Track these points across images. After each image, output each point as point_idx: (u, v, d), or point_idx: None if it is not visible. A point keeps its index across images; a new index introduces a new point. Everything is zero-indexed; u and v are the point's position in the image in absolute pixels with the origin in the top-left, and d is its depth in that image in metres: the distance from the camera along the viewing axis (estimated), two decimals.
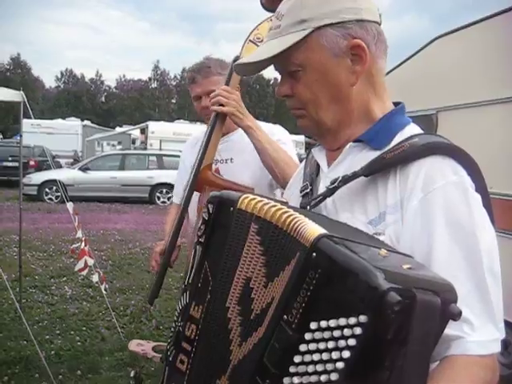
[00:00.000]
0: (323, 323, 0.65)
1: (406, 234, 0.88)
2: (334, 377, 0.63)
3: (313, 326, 0.66)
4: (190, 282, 0.91)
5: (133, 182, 15.57)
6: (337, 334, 0.64)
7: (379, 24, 1.03)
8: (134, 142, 30.55)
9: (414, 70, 5.75)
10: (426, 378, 0.68)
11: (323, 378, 0.64)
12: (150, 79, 77.09)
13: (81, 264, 4.67)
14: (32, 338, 4.49)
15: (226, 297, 0.82)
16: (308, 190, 1.10)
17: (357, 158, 1.02)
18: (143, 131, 24.87)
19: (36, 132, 25.00)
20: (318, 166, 1.13)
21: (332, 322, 0.64)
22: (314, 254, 0.68)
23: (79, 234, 4.83)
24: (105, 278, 5.13)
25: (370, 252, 0.69)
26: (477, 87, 4.58)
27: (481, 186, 0.93)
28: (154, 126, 23.50)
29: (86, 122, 30.82)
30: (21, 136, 5.75)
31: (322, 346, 0.65)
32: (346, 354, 0.63)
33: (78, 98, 68.48)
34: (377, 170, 0.95)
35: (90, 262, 4.69)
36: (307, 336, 0.66)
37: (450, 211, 0.86)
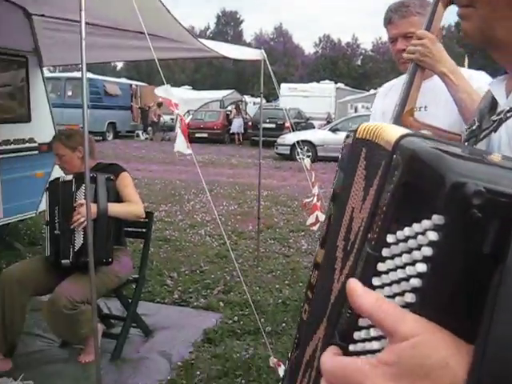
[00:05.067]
0: (399, 234, 0.49)
1: None
2: (409, 298, 0.47)
3: (390, 239, 0.50)
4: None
5: None
6: (412, 244, 0.47)
7: None
8: None
9: None
10: None
11: (398, 300, 0.48)
12: None
13: (312, 219, 4.76)
14: (264, 286, 4.80)
15: (338, 234, 0.69)
16: (475, 126, 0.88)
17: None
18: None
19: (293, 95, 26.46)
20: (494, 100, 0.88)
21: (407, 231, 0.48)
22: (395, 156, 0.52)
23: (315, 190, 4.90)
24: None
25: (471, 154, 0.49)
26: None
27: None
28: None
29: (340, 85, 31.33)
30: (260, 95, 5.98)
31: (397, 261, 0.49)
32: (422, 267, 0.46)
33: (334, 63, 69.95)
34: None
35: (322, 217, 4.74)
36: (384, 252, 0.51)
37: None
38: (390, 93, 2.18)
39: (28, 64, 5.60)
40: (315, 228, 4.79)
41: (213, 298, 4.53)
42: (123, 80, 27.54)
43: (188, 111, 24.56)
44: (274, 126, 20.69)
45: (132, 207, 3.33)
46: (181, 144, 2.55)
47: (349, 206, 0.67)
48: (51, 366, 3.36)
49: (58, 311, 3.01)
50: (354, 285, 0.50)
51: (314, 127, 21.15)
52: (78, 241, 3.12)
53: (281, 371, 2.43)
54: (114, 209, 3.19)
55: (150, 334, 3.82)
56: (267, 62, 4.96)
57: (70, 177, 3.25)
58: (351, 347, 0.54)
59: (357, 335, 0.54)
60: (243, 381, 3.18)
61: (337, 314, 0.62)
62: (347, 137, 0.75)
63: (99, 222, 3.09)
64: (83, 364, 3.39)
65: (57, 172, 5.89)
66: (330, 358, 0.51)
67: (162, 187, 10.42)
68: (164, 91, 2.49)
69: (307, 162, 5.25)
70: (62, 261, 3.18)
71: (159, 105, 24.89)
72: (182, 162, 15.21)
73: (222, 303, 4.39)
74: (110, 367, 3.31)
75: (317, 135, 16.52)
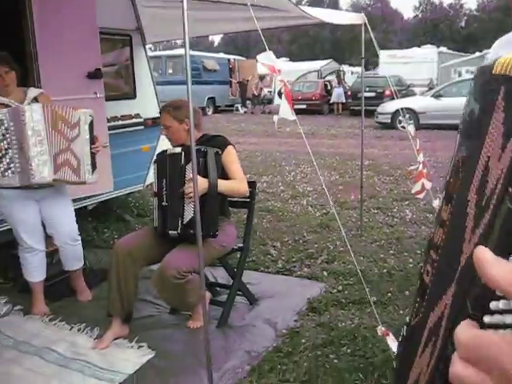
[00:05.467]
0: None
1: None
2: None
3: None
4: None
5: None
6: None
7: None
8: None
9: None
10: None
11: None
12: None
13: (417, 186, 4.59)
14: (368, 255, 4.71)
15: (469, 187, 0.61)
16: None
17: None
18: None
19: (393, 62, 25.57)
20: None
21: None
22: None
23: (420, 158, 4.72)
24: None
25: None
26: None
27: None
28: None
29: (442, 49, 29.85)
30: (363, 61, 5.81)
31: None
32: None
33: (435, 26, 66.75)
34: None
35: (428, 185, 4.56)
36: None
37: None
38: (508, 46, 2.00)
39: (132, 42, 5.78)
40: (421, 196, 4.62)
41: (316, 267, 4.51)
42: (221, 55, 27.86)
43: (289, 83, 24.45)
44: (373, 94, 20.12)
45: (238, 185, 3.36)
46: (285, 110, 2.52)
47: (483, 155, 0.59)
48: (162, 331, 3.50)
49: (167, 281, 3.12)
50: (483, 253, 0.44)
51: (415, 94, 20.35)
52: (187, 214, 3.19)
53: (389, 341, 2.37)
54: (222, 186, 3.24)
55: (255, 302, 3.88)
56: (368, 26, 4.79)
57: (178, 149, 3.30)
58: (486, 319, 0.48)
59: (494, 305, 0.48)
60: (349, 350, 3.15)
61: (468, 280, 0.55)
62: (477, 75, 0.66)
63: (209, 197, 3.15)
64: (191, 329, 3.51)
65: (161, 146, 6.10)
66: (466, 331, 0.46)
67: (263, 159, 10.50)
68: (266, 57, 2.46)
69: (411, 128, 5.05)
70: (170, 232, 3.28)
71: (261, 78, 25.04)
72: (281, 135, 15.24)
73: (325, 272, 4.36)
74: (217, 333, 3.40)
75: (419, 102, 15.87)
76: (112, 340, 3.33)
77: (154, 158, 3.54)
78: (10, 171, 3.43)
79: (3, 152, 3.40)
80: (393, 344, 2.38)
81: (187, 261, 3.14)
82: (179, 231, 3.23)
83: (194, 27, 4.78)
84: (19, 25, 4.71)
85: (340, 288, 4.05)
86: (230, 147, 3.43)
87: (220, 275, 4.21)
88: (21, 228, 3.64)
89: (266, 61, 2.51)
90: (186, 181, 3.17)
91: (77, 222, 3.93)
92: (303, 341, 3.26)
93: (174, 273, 3.09)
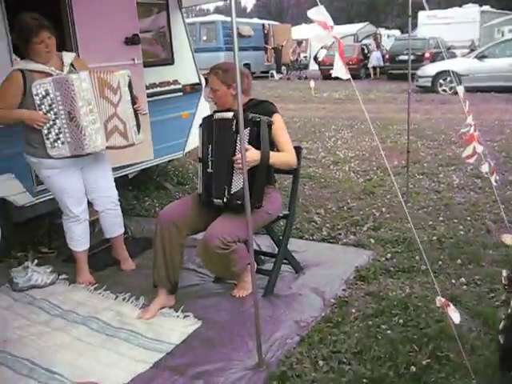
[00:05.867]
0: None
1: None
2: None
3: None
4: None
5: None
6: None
7: None
8: None
9: None
10: None
11: None
12: None
13: (468, 150, 4.37)
14: (416, 222, 4.55)
15: None
16: None
17: None
18: None
19: (432, 23, 24.72)
20: None
21: None
22: None
23: (469, 120, 4.49)
24: (496, 169, 4.71)
25: None
26: None
27: None
28: None
29: (485, 8, 28.69)
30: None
31: None
32: None
33: None
34: None
35: (479, 148, 4.33)
36: None
37: None
38: None
39: (168, 6, 5.64)
40: (471, 160, 4.38)
41: (362, 234, 4.38)
42: (255, 20, 27.43)
43: (322, 47, 24.05)
44: (412, 57, 19.50)
45: (288, 157, 3.24)
46: (339, 69, 2.37)
47: None
48: (207, 300, 3.45)
49: (211, 251, 3.05)
50: None
51: (455, 56, 19.68)
52: (235, 184, 3.08)
53: (450, 312, 2.24)
54: (273, 158, 3.12)
55: (301, 271, 3.79)
56: None
57: (229, 114, 3.13)
58: None
59: None
60: (400, 320, 3.04)
61: None
62: None
63: (260, 169, 3.04)
64: (237, 298, 3.45)
65: (202, 111, 5.99)
66: None
67: (302, 125, 10.30)
68: (316, 13, 2.30)
69: (460, 89, 4.79)
70: (215, 200, 3.20)
71: (299, 43, 24.64)
72: (318, 100, 15.02)
73: (372, 240, 4.23)
74: (264, 302, 3.32)
75: (461, 64, 15.31)
76: (158, 310, 3.29)
77: (200, 121, 3.39)
78: (59, 141, 3.40)
79: (51, 123, 3.36)
80: (454, 315, 2.25)
81: (232, 230, 3.06)
82: (225, 200, 3.13)
83: None
84: None
85: (388, 256, 3.92)
86: (277, 115, 3.28)
87: (264, 243, 4.13)
88: (67, 196, 3.62)
89: (317, 16, 2.35)
90: (237, 150, 3.03)
91: (118, 191, 3.92)
92: (353, 310, 3.16)
93: (218, 243, 3.01)
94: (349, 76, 2.36)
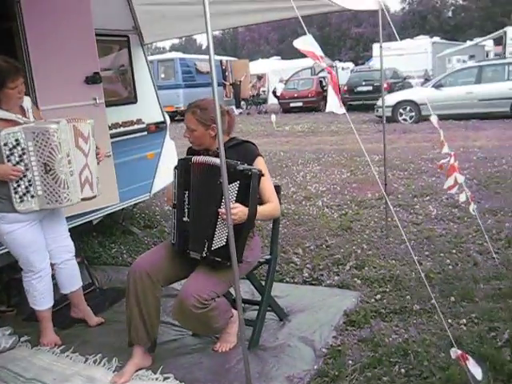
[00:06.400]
0: None
1: None
2: None
3: None
4: None
5: (491, 96, 14.17)
6: None
7: None
8: (487, 55, 28.22)
9: None
10: None
11: None
12: None
13: (450, 181, 4.24)
14: (400, 258, 4.36)
15: None
16: None
17: None
18: (498, 41, 22.64)
19: (387, 55, 25.23)
20: None
21: None
22: None
23: (445, 149, 4.37)
24: (473, 198, 4.59)
25: None
26: None
27: None
28: None
29: (436, 39, 29.58)
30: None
31: None
32: None
33: (423, 18, 66.32)
34: None
35: (461, 179, 4.21)
36: None
37: None
38: None
39: (130, 43, 5.42)
40: (453, 191, 4.26)
41: (346, 274, 4.15)
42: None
43: (279, 81, 24.25)
44: (370, 88, 19.82)
45: (273, 210, 3.00)
46: (333, 103, 2.16)
47: None
48: (188, 357, 3.14)
49: (188, 311, 2.77)
50: None
51: (411, 86, 20.01)
52: (218, 240, 2.78)
53: (470, 366, 2.00)
54: (260, 214, 2.83)
55: (286, 318, 3.52)
56: (385, 11, 4.45)
57: (216, 161, 2.72)
58: None
59: None
60: (402, 370, 2.79)
61: None
62: None
63: (245, 227, 2.76)
64: (220, 354, 3.16)
65: (166, 152, 5.74)
66: None
67: (268, 160, 10.04)
68: (303, 43, 2.10)
69: (434, 118, 4.66)
70: (191, 253, 2.92)
71: (259, 77, 24.74)
72: (281, 133, 14.93)
73: (357, 280, 4.00)
74: (250, 356, 2.97)
75: (419, 93, 15.49)
76: (134, 372, 2.97)
77: (166, 162, 3.13)
78: (28, 195, 3.12)
79: (20, 175, 3.07)
80: (475, 370, 2.01)
81: (208, 287, 2.80)
82: (203, 255, 2.85)
83: (196, 22, 4.46)
84: (9, 28, 4.35)
85: (377, 297, 3.68)
86: (259, 159, 3.03)
87: (243, 288, 3.83)
88: (31, 251, 3.28)
89: (303, 46, 2.15)
90: (222, 204, 2.68)
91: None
92: (349, 361, 2.90)
93: (195, 302, 2.73)
94: (344, 111, 2.16)
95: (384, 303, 3.59)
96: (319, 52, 2.17)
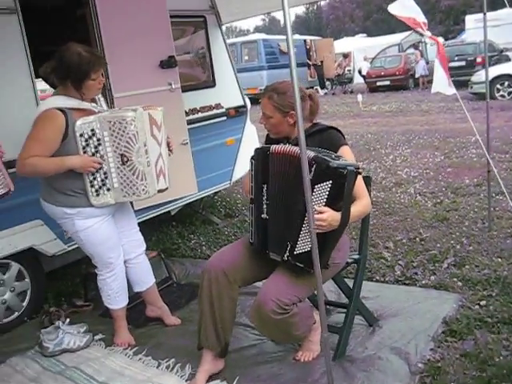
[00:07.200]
0: None
1: None
2: None
3: None
4: None
5: None
6: None
7: None
8: None
9: None
10: None
11: None
12: None
13: None
14: (507, 255, 3.86)
15: None
16: None
17: None
18: None
19: (480, 27, 23.68)
20: None
21: None
22: None
23: None
24: None
25: None
26: None
27: None
28: None
29: None
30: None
31: None
32: None
33: None
34: None
35: None
36: None
37: None
38: None
39: (207, 24, 5.16)
40: None
41: (443, 273, 3.70)
42: (297, 36, 26.95)
43: (364, 59, 23.47)
44: (463, 63, 18.70)
45: (365, 207, 2.57)
46: (440, 81, 1.76)
47: None
48: (267, 367, 2.85)
49: (266, 317, 2.47)
50: None
51: (509, 60, 18.64)
52: (302, 245, 2.42)
53: None
54: (353, 216, 2.44)
55: (376, 324, 3.16)
56: None
57: (299, 151, 2.19)
58: None
59: None
60: None
61: None
62: None
63: (336, 233, 2.40)
64: (303, 364, 2.85)
65: (247, 137, 5.47)
66: None
67: (354, 143, 9.59)
68: (401, 8, 1.71)
69: None
70: (271, 254, 2.62)
71: (345, 56, 24.07)
72: (368, 114, 14.31)
73: (457, 280, 3.55)
74: (336, 369, 2.69)
75: None
76: (206, 381, 2.72)
77: (248, 149, 2.80)
78: (104, 188, 2.94)
79: (99, 166, 2.91)
80: None
81: (289, 290, 2.49)
82: (284, 258, 2.53)
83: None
84: (82, 15, 4.21)
85: (483, 303, 3.22)
86: (344, 148, 2.61)
87: (327, 287, 3.49)
88: (107, 247, 3.12)
89: (401, 12, 1.75)
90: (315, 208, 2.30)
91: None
92: (452, 383, 2.51)
93: (274, 307, 2.43)
94: (454, 90, 1.77)
95: (490, 310, 3.13)
96: (421, 18, 1.76)
